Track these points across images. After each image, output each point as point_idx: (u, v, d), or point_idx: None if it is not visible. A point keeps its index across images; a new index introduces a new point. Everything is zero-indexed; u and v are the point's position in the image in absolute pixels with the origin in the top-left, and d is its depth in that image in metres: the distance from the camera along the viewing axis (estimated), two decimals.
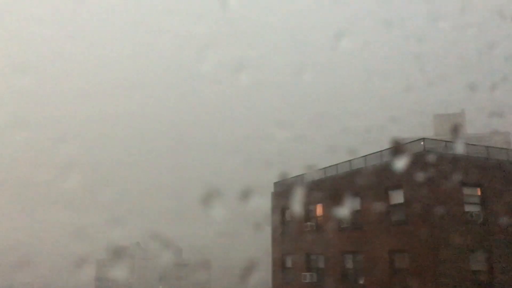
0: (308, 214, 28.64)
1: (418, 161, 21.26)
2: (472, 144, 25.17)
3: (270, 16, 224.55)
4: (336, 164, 27.10)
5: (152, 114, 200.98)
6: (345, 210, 25.13)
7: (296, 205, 29.17)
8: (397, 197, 22.58)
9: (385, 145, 23.88)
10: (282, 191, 31.69)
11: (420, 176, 20.61)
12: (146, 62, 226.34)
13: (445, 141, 23.71)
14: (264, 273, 32.11)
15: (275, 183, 32.73)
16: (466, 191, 21.89)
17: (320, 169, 28.55)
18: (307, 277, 27.00)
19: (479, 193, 22.17)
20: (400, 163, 21.26)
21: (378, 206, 23.09)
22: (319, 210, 28.09)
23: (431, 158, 21.12)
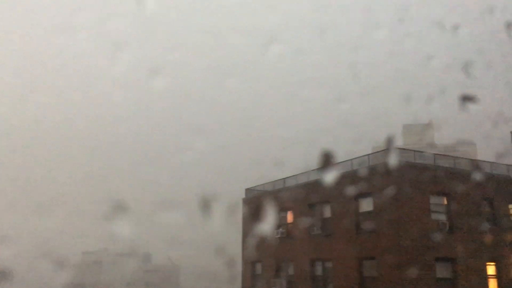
0: (279, 221, 28.69)
1: (387, 169, 21.60)
2: (439, 154, 25.78)
3: (192, 19, 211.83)
4: (308, 171, 27.28)
5: (53, 120, 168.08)
6: (315, 217, 25.31)
7: (267, 212, 29.18)
8: (367, 205, 22.88)
9: (339, 154, 24.04)
10: (253, 198, 31.67)
11: (389, 185, 20.94)
12: (49, 61, 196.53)
13: (414, 150, 24.19)
14: (233, 279, 31.94)
15: (247, 189, 32.70)
16: (433, 200, 22.36)
17: (293, 175, 28.72)
18: (277, 283, 27.00)
19: (445, 202, 22.68)
20: (370, 171, 21.55)
21: (348, 214, 23.35)
22: (289, 216, 28.19)
23: (399, 166, 21.50)
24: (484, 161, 26.05)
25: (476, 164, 25.27)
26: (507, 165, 26.40)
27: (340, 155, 23.72)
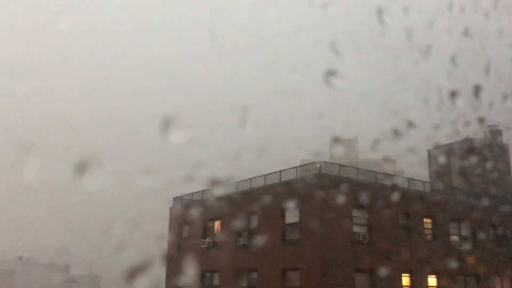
0: (206, 231, 28.53)
1: (313, 183, 22.25)
2: (362, 169, 26.92)
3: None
4: (237, 182, 27.42)
5: None
6: (242, 228, 25.46)
7: (194, 221, 28.94)
8: (293, 216, 23.37)
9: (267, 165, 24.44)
10: (181, 207, 31.27)
11: (314, 197, 21.56)
12: None
13: (340, 164, 25.11)
14: None
15: (175, 198, 32.22)
16: (355, 213, 23.30)
17: (221, 186, 28.66)
18: None
19: (366, 215, 23.71)
20: (297, 183, 22.09)
21: (274, 225, 23.71)
22: (217, 226, 28.13)
23: (325, 180, 22.23)
24: (403, 176, 27.57)
25: (395, 180, 26.66)
26: (423, 181, 28.15)
27: (268, 167, 24.11)
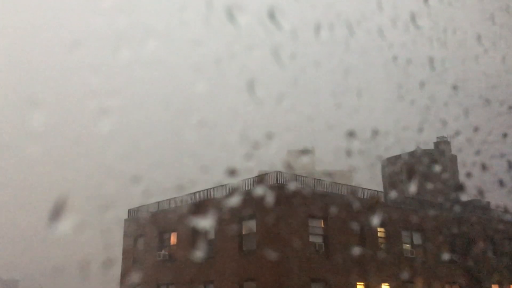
0: (162, 243, 28.03)
1: (271, 193, 22.36)
2: (319, 179, 27.29)
3: None
4: (194, 193, 27.15)
5: None
6: (199, 239, 25.19)
7: (150, 233, 28.40)
8: (250, 227, 23.38)
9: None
10: (136, 219, 30.61)
11: (271, 207, 21.65)
12: None
13: (297, 175, 25.39)
14: None
15: (130, 210, 31.51)
16: (312, 223, 23.58)
17: (179, 196, 28.34)
18: None
19: (322, 225, 24.04)
20: (254, 194, 22.12)
21: (231, 236, 23.61)
22: (173, 238, 27.69)
23: (282, 190, 22.40)
24: (358, 187, 28.16)
25: (350, 190, 27.19)
26: (377, 191, 28.88)
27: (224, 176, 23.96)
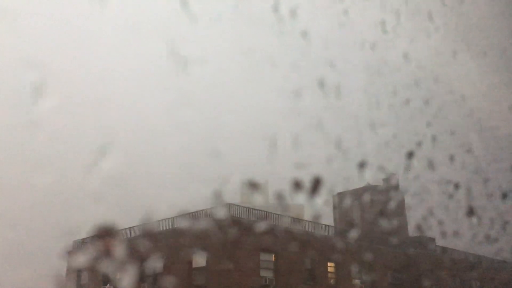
0: (107, 276, 26.85)
1: (222, 225, 22.08)
2: (271, 213, 27.25)
3: None
4: (143, 223, 26.39)
5: None
6: (146, 272, 24.35)
7: (94, 266, 27.19)
8: (200, 260, 22.87)
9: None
10: (79, 251, 29.29)
11: (223, 240, 21.36)
12: None
13: (249, 208, 25.26)
14: None
15: (75, 242, 30.18)
16: (263, 256, 23.38)
17: (128, 227, 27.45)
18: None
19: (273, 259, 23.88)
20: (204, 226, 21.79)
21: (181, 269, 23.00)
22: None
23: (235, 223, 22.18)
24: (309, 221, 28.31)
25: (301, 224, 27.30)
26: (327, 225, 29.13)
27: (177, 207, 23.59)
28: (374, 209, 34.86)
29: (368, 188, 34.42)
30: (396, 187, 36.15)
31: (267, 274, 23.04)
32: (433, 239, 33.94)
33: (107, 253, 26.73)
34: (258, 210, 26.24)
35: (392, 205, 35.58)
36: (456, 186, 15.49)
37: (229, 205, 24.12)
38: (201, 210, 24.61)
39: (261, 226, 23.80)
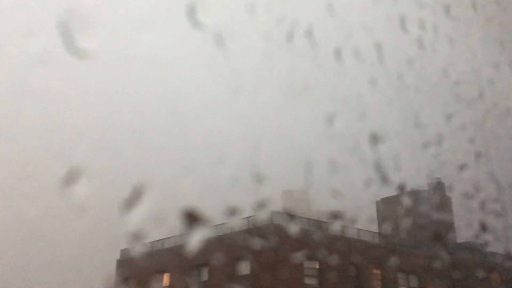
0: (155, 284, 27.41)
1: (265, 233, 22.15)
2: (314, 220, 27.08)
3: None
4: (187, 233, 26.79)
5: None
6: (193, 280, 24.71)
7: (140, 275, 27.81)
8: (244, 268, 22.99)
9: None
10: (128, 259, 30.04)
11: (266, 248, 21.40)
12: None
13: (291, 215, 25.22)
14: None
15: (122, 250, 30.98)
16: (307, 264, 23.24)
17: (172, 236, 27.94)
18: None
19: (318, 266, 23.69)
20: (247, 235, 21.92)
21: (225, 277, 23.18)
22: (166, 279, 27.14)
23: (278, 231, 22.20)
24: (353, 227, 27.90)
25: (345, 230, 26.96)
26: (372, 232, 28.62)
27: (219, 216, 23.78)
28: (420, 214, 34.00)
29: (413, 194, 33.60)
30: (443, 191, 35.19)
31: (311, 281, 22.92)
32: (482, 244, 32.75)
33: (154, 261, 27.27)
34: (300, 217, 26.15)
35: (439, 209, 34.63)
36: None
37: (272, 212, 24.17)
38: (245, 218, 24.75)
39: (305, 233, 23.70)
